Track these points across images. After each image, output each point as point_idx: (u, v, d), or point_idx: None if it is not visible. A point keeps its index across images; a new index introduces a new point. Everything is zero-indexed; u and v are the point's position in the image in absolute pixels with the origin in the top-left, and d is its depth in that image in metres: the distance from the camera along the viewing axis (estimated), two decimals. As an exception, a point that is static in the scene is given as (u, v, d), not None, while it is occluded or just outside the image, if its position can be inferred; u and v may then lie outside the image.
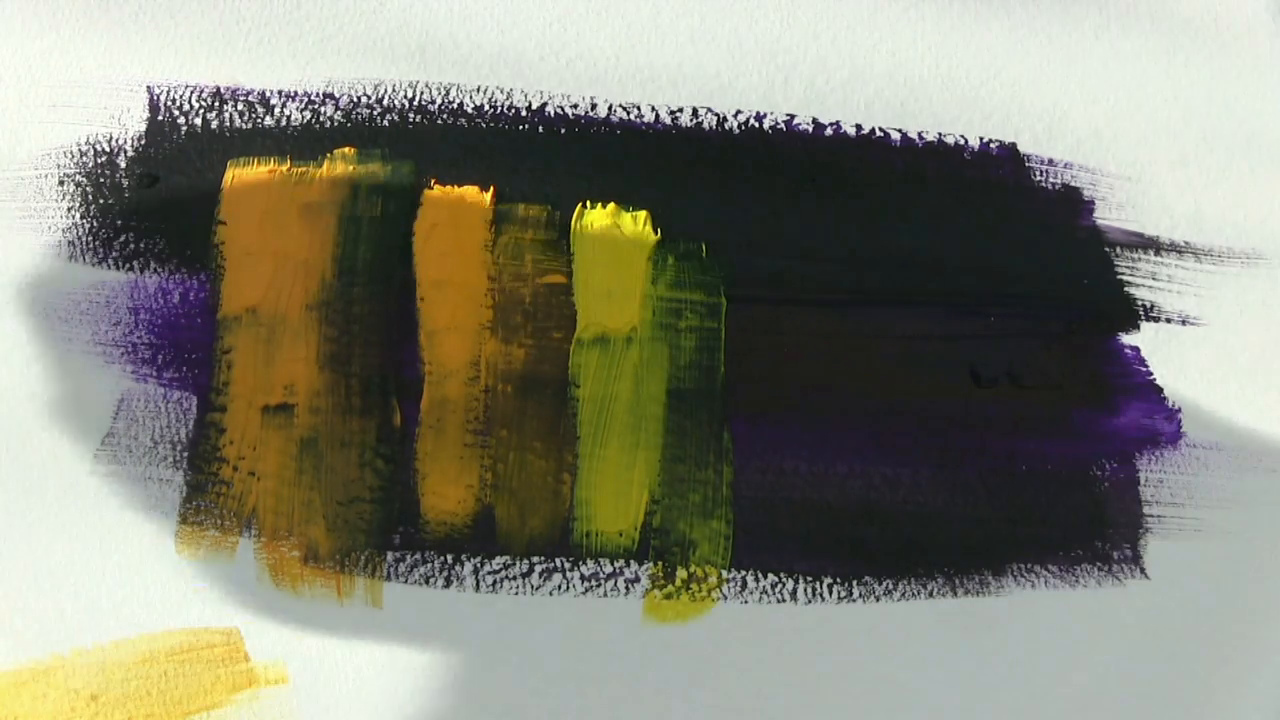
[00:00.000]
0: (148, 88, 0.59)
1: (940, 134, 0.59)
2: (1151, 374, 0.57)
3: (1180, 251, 0.58)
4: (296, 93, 0.59)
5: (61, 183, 0.58)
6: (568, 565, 0.56)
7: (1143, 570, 0.56)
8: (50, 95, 0.58)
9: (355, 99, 0.59)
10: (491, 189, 0.58)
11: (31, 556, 0.55)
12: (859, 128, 0.59)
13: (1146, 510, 0.56)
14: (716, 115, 0.59)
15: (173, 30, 0.59)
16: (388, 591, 0.55)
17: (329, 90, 0.59)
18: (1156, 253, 0.58)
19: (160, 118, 0.58)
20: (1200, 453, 0.57)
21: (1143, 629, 0.56)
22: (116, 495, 0.55)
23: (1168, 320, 0.58)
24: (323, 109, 0.58)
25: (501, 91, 0.59)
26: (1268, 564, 0.56)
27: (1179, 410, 0.57)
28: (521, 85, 0.59)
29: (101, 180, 0.58)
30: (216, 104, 0.59)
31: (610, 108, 0.59)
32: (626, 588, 0.56)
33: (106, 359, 0.56)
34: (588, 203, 0.58)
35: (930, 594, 0.56)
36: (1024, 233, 0.58)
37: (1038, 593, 0.56)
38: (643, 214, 0.58)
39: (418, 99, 0.59)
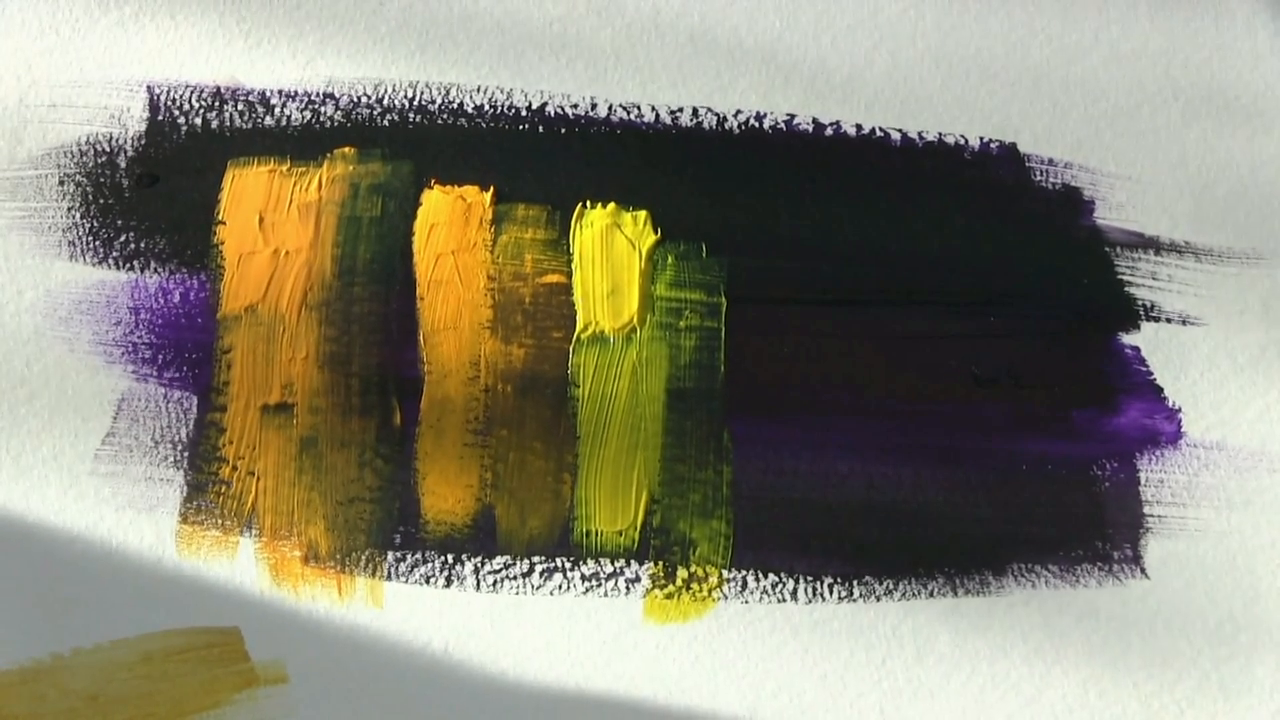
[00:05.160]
0: (148, 87, 0.59)
1: (940, 134, 0.59)
2: (1151, 374, 0.57)
3: (1180, 251, 0.58)
4: (297, 92, 0.59)
5: (62, 182, 0.58)
6: (568, 565, 0.56)
7: (1143, 570, 0.56)
8: (50, 95, 0.58)
9: (355, 99, 0.59)
10: (491, 189, 0.58)
11: (31, 556, 0.55)
12: (859, 128, 0.59)
13: (1147, 510, 0.56)
14: (716, 115, 0.59)
15: (173, 30, 0.59)
16: (388, 591, 0.55)
17: (329, 90, 0.59)
18: (1156, 253, 0.58)
19: (160, 118, 0.58)
20: (1200, 453, 0.57)
21: (1143, 629, 0.56)
22: (116, 495, 0.55)
23: (1168, 320, 0.58)
24: (323, 109, 0.58)
25: (501, 91, 0.59)
26: (1268, 564, 0.56)
27: (1179, 410, 0.57)
28: (521, 85, 0.59)
29: (102, 180, 0.58)
30: (216, 104, 0.59)
31: (610, 108, 0.59)
32: (627, 587, 0.56)
33: (107, 359, 0.56)
34: (588, 202, 0.58)
35: (930, 594, 0.56)
36: (1024, 233, 0.58)
37: (1038, 593, 0.56)
38: (643, 214, 0.58)
39: (418, 99, 0.59)
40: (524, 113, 0.59)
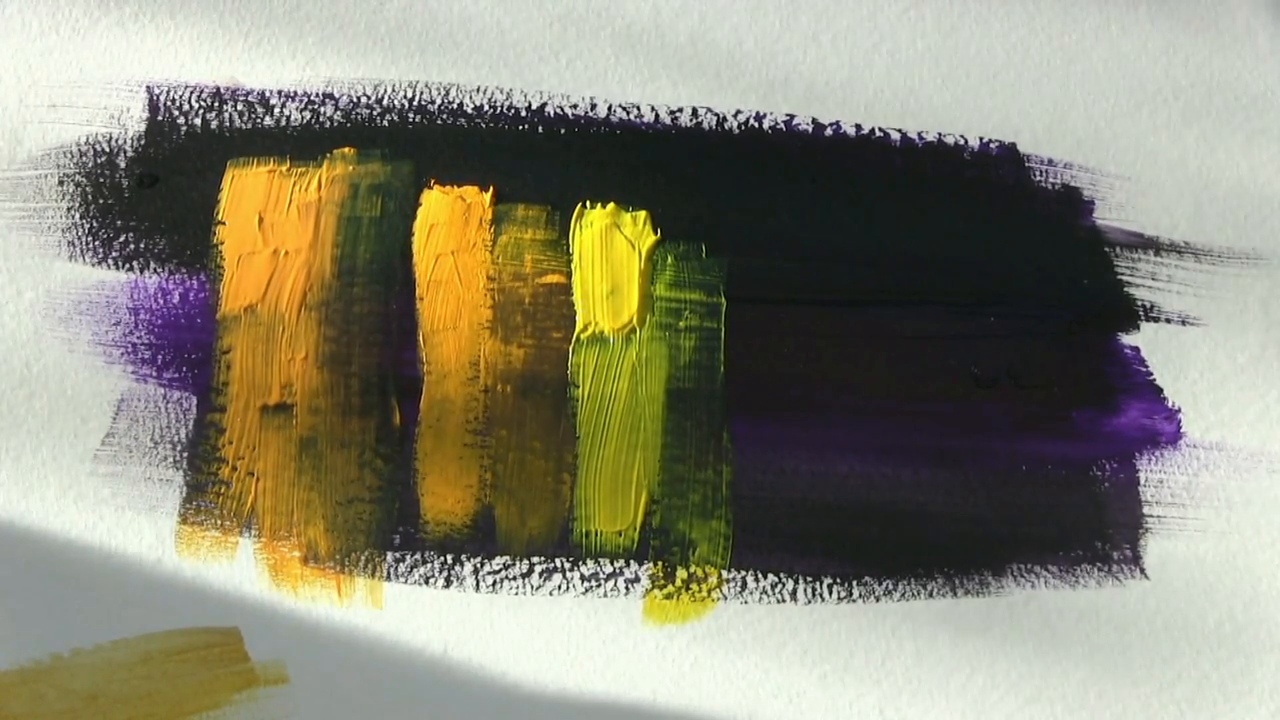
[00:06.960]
0: (148, 88, 0.59)
1: (940, 134, 0.59)
2: (1151, 374, 0.57)
3: (1180, 251, 0.58)
4: (296, 93, 0.59)
5: (61, 183, 0.58)
6: (568, 565, 0.56)
7: (1143, 570, 0.56)
8: (50, 95, 0.58)
9: (355, 99, 0.59)
10: (491, 189, 0.58)
11: (31, 556, 0.55)
12: (859, 128, 0.59)
13: (1146, 510, 0.56)
14: (716, 115, 0.59)
15: (173, 30, 0.59)
16: (388, 591, 0.55)
17: (329, 90, 0.59)
18: (1156, 253, 0.58)
19: (160, 118, 0.58)
20: (1200, 453, 0.57)
21: (1142, 629, 0.56)
22: (116, 495, 0.55)
23: (1168, 320, 0.58)
24: (323, 109, 0.58)
25: (501, 91, 0.59)
26: (1268, 564, 0.56)
27: (1179, 410, 0.57)
28: (521, 85, 0.59)
29: (101, 180, 0.58)
30: (216, 104, 0.59)
31: (610, 108, 0.59)
32: (626, 588, 0.56)
33: (106, 359, 0.56)
34: (588, 203, 0.58)
35: (930, 594, 0.56)
36: (1024, 233, 0.58)
37: (1037, 593, 0.56)
38: (642, 214, 0.58)
39: (418, 99, 0.59)
40: (524, 113, 0.59)
